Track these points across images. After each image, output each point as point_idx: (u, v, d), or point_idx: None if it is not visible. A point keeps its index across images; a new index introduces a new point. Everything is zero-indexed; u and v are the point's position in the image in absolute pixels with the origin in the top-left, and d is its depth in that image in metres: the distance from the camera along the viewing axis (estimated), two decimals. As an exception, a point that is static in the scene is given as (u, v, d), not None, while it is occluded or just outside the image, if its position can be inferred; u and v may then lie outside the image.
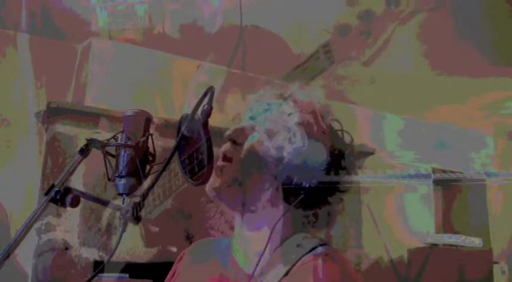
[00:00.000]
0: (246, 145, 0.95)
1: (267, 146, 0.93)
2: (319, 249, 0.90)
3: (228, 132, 0.97)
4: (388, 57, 2.38)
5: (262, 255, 0.89)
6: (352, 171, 0.95)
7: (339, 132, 0.98)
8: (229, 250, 1.00)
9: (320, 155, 0.92)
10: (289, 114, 0.95)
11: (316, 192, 0.91)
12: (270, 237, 0.90)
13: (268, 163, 0.93)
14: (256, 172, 0.93)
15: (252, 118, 0.99)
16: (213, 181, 0.93)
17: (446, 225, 4.62)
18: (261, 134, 0.95)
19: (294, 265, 0.87)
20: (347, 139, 0.97)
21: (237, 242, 0.99)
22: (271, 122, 0.95)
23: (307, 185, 0.90)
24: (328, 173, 0.92)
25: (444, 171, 4.25)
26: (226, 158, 0.95)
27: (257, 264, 0.89)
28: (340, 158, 0.94)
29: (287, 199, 0.92)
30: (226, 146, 0.97)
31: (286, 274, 0.87)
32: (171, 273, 1.12)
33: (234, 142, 0.96)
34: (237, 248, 0.98)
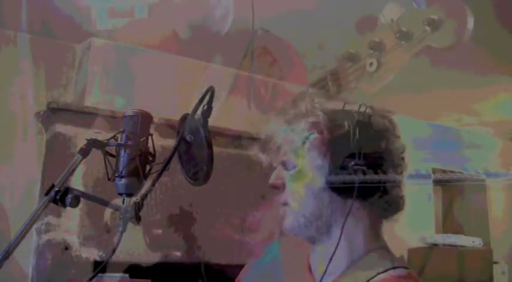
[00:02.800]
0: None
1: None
2: (395, 271, 0.88)
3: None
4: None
5: (330, 259, 0.87)
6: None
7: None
8: (307, 257, 0.99)
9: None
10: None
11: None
12: (338, 243, 0.87)
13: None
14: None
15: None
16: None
17: (446, 225, 4.62)
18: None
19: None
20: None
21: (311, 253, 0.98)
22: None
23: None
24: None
25: (444, 171, 4.25)
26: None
27: (324, 272, 0.87)
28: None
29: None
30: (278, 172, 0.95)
31: None
32: (244, 270, 1.11)
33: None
34: (312, 258, 0.98)
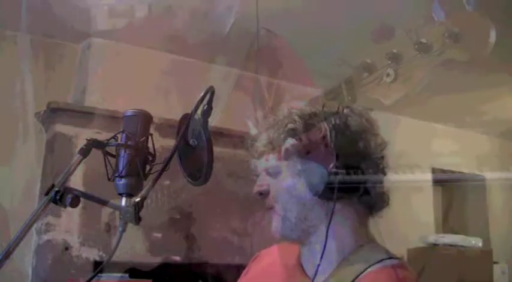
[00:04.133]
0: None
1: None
2: (387, 262, 0.89)
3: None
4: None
5: (321, 258, 0.89)
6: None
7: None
8: (297, 257, 1.00)
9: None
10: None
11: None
12: (326, 241, 0.89)
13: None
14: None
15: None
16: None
17: (446, 225, 4.62)
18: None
19: (358, 276, 0.87)
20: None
21: (301, 252, 1.00)
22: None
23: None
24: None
25: (444, 171, 4.25)
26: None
27: (316, 272, 0.89)
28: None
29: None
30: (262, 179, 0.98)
31: None
32: (244, 271, 1.12)
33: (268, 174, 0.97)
34: (303, 258, 0.99)
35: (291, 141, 0.93)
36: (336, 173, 0.88)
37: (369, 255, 0.91)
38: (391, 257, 0.91)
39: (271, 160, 0.96)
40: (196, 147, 0.90)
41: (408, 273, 0.89)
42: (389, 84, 0.88)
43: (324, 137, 0.90)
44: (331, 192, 0.88)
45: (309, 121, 0.93)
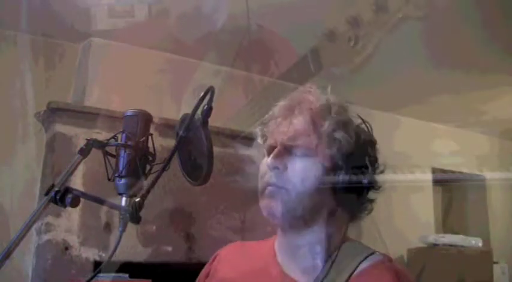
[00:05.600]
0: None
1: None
2: (375, 257, 0.90)
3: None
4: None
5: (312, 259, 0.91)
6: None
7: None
8: (272, 254, 0.99)
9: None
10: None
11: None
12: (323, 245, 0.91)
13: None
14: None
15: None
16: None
17: (446, 225, 4.62)
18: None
19: (351, 274, 0.87)
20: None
21: (281, 246, 0.99)
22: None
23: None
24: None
25: (444, 171, 4.25)
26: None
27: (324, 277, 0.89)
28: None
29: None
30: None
31: None
32: (204, 273, 1.11)
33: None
34: (282, 252, 0.98)
35: (344, 136, 0.92)
36: (359, 181, 0.91)
37: (353, 251, 0.92)
38: (374, 252, 0.92)
39: (305, 139, 0.92)
40: (196, 147, 0.90)
41: (400, 266, 0.91)
42: (352, 48, 0.89)
43: (357, 147, 0.93)
44: (337, 195, 0.90)
45: (356, 127, 0.96)
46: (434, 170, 4.16)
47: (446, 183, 4.65)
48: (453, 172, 4.33)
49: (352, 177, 0.90)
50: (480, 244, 3.97)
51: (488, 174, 4.42)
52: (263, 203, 0.93)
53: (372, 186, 0.93)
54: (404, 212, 3.89)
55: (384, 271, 0.88)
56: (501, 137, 4.80)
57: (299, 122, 0.93)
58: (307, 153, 0.91)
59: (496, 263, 4.12)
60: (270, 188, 0.92)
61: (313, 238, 0.93)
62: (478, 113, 4.12)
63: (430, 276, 3.72)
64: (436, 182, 4.33)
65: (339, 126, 0.92)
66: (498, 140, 4.82)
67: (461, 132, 4.51)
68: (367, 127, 0.97)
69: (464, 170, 4.34)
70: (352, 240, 0.97)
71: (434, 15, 2.58)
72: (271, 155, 0.92)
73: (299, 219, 0.92)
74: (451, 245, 3.86)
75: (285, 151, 0.92)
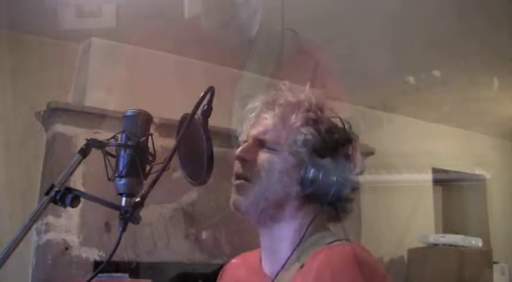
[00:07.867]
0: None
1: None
2: (336, 243, 0.90)
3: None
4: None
5: (289, 258, 0.89)
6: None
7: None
8: (259, 262, 1.00)
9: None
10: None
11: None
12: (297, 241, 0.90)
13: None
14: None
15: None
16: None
17: (446, 225, 4.62)
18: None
19: (308, 256, 0.88)
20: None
21: (261, 246, 0.99)
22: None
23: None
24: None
25: (444, 171, 4.25)
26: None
27: (282, 267, 0.89)
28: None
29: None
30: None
31: (302, 266, 0.87)
32: None
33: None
34: (262, 252, 0.99)
35: (312, 132, 0.92)
36: (326, 177, 0.89)
37: (323, 240, 0.91)
38: (345, 239, 0.91)
39: (273, 134, 0.93)
40: (196, 147, 0.90)
41: (363, 249, 0.87)
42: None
43: (336, 146, 0.92)
44: (313, 193, 0.89)
45: (329, 124, 0.95)
46: (434, 170, 4.16)
47: (446, 183, 4.64)
48: (453, 172, 4.33)
49: (320, 173, 0.89)
50: (480, 244, 3.97)
51: (488, 174, 4.42)
52: (231, 199, 0.95)
53: (343, 184, 0.90)
54: (404, 212, 3.90)
55: (339, 249, 0.86)
56: (501, 137, 4.80)
57: (269, 116, 0.95)
58: (275, 148, 0.93)
59: (496, 263, 4.12)
60: (237, 181, 0.94)
61: (281, 233, 0.92)
62: (478, 113, 4.12)
63: (430, 276, 3.72)
64: (436, 182, 4.33)
65: (307, 122, 0.93)
66: (498, 140, 4.82)
67: (461, 132, 4.51)
68: (343, 125, 0.96)
69: (465, 170, 4.34)
70: (327, 233, 0.94)
71: (436, 16, 2.59)
72: (240, 148, 0.95)
73: (265, 214, 0.92)
74: (451, 245, 3.86)
75: (254, 145, 0.95)
